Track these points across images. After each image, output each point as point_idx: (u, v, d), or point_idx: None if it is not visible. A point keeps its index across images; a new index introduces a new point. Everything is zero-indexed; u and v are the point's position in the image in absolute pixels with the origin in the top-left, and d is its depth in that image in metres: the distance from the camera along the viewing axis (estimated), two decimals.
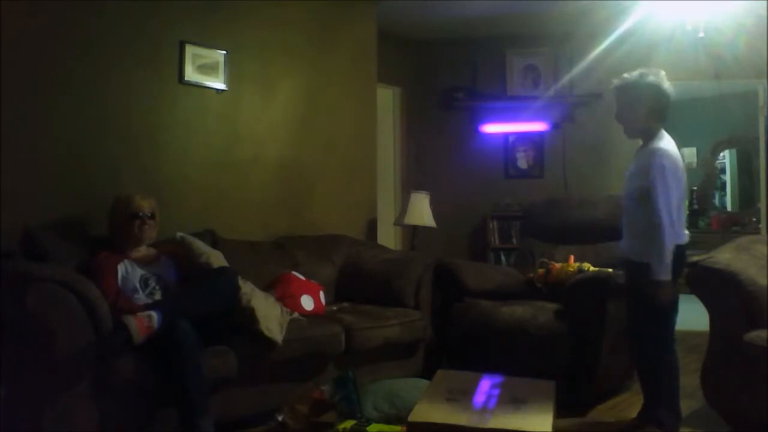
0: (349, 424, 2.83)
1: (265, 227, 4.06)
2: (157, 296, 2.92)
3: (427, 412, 2.70)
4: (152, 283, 2.96)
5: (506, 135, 5.93)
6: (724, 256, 3.09)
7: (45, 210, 3.17)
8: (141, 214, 3.04)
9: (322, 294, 3.57)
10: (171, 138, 3.74)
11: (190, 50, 3.76)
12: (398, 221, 5.12)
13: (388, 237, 5.55)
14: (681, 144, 3.19)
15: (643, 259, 2.79)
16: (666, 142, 2.95)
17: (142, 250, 3.08)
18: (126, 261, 2.96)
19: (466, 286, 3.81)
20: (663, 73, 2.99)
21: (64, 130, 3.31)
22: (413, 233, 5.21)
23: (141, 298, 2.88)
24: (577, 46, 5.50)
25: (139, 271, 2.96)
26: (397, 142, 6.00)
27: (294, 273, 3.59)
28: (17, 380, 2.56)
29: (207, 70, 3.86)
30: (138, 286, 2.91)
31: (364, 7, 4.85)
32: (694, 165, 7.99)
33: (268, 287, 3.47)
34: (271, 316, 3.02)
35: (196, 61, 3.81)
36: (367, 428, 2.79)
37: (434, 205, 5.03)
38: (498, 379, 3.00)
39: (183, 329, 2.61)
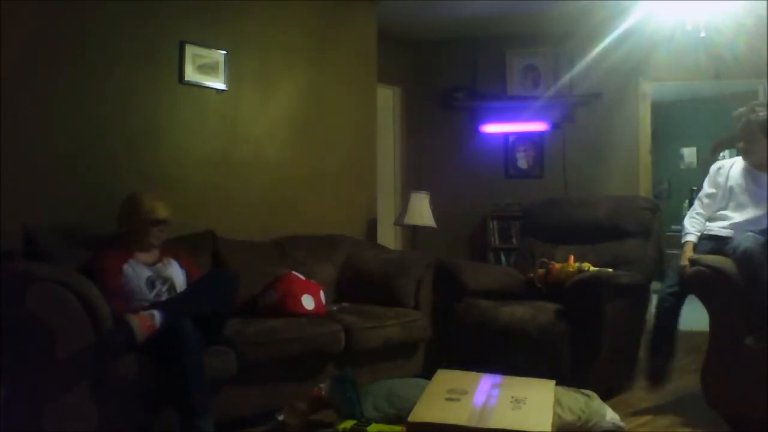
0: (349, 424, 2.83)
1: (265, 227, 4.05)
2: (164, 297, 2.91)
3: (426, 411, 2.70)
4: (159, 284, 2.95)
5: (506, 135, 5.93)
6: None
7: (45, 210, 3.17)
8: (161, 221, 3.04)
9: (322, 294, 3.57)
10: (171, 138, 3.74)
11: (190, 50, 3.76)
12: (398, 221, 5.12)
13: (388, 237, 5.55)
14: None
15: None
16: None
17: (150, 252, 3.08)
18: (131, 261, 2.96)
19: (466, 286, 3.81)
20: None
21: (64, 130, 3.31)
22: (413, 233, 5.20)
23: (148, 299, 2.87)
24: (577, 46, 5.50)
25: (145, 272, 2.95)
26: (397, 142, 6.00)
27: (294, 273, 3.59)
28: (17, 380, 2.56)
29: (207, 70, 3.86)
30: (144, 286, 2.91)
31: (363, 6, 4.85)
32: (694, 165, 7.99)
33: (268, 287, 3.48)
34: None
35: (196, 61, 3.81)
36: (367, 428, 2.79)
37: (434, 205, 5.03)
38: (498, 379, 2.99)
39: (185, 329, 2.61)
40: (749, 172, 3.32)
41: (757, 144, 3.25)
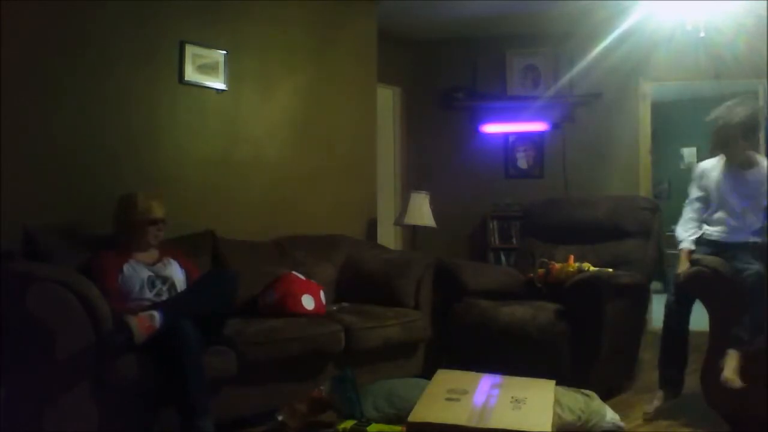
0: (349, 424, 2.83)
1: (265, 227, 4.05)
2: (165, 297, 2.91)
3: (426, 411, 2.70)
4: (159, 284, 2.96)
5: (506, 135, 5.93)
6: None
7: (45, 210, 3.17)
8: (158, 221, 3.04)
9: (322, 294, 3.58)
10: (171, 138, 3.74)
11: (190, 50, 3.76)
12: (398, 221, 5.12)
13: (388, 237, 5.55)
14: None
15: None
16: None
17: (148, 252, 3.08)
18: (131, 261, 2.96)
19: (466, 286, 3.81)
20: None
21: (64, 129, 3.31)
22: (413, 233, 5.21)
23: (148, 298, 2.88)
24: (577, 46, 5.50)
25: (145, 272, 2.95)
26: (397, 142, 6.00)
27: (294, 273, 3.59)
28: (17, 380, 2.56)
29: (207, 70, 3.86)
30: (145, 286, 2.91)
31: (364, 6, 4.85)
32: (694, 165, 7.98)
33: (268, 287, 3.48)
34: None
35: (196, 61, 3.81)
36: (367, 428, 2.80)
37: (434, 205, 5.03)
38: (498, 379, 3.00)
39: (185, 329, 2.61)
40: (735, 173, 3.28)
41: (739, 145, 3.22)
